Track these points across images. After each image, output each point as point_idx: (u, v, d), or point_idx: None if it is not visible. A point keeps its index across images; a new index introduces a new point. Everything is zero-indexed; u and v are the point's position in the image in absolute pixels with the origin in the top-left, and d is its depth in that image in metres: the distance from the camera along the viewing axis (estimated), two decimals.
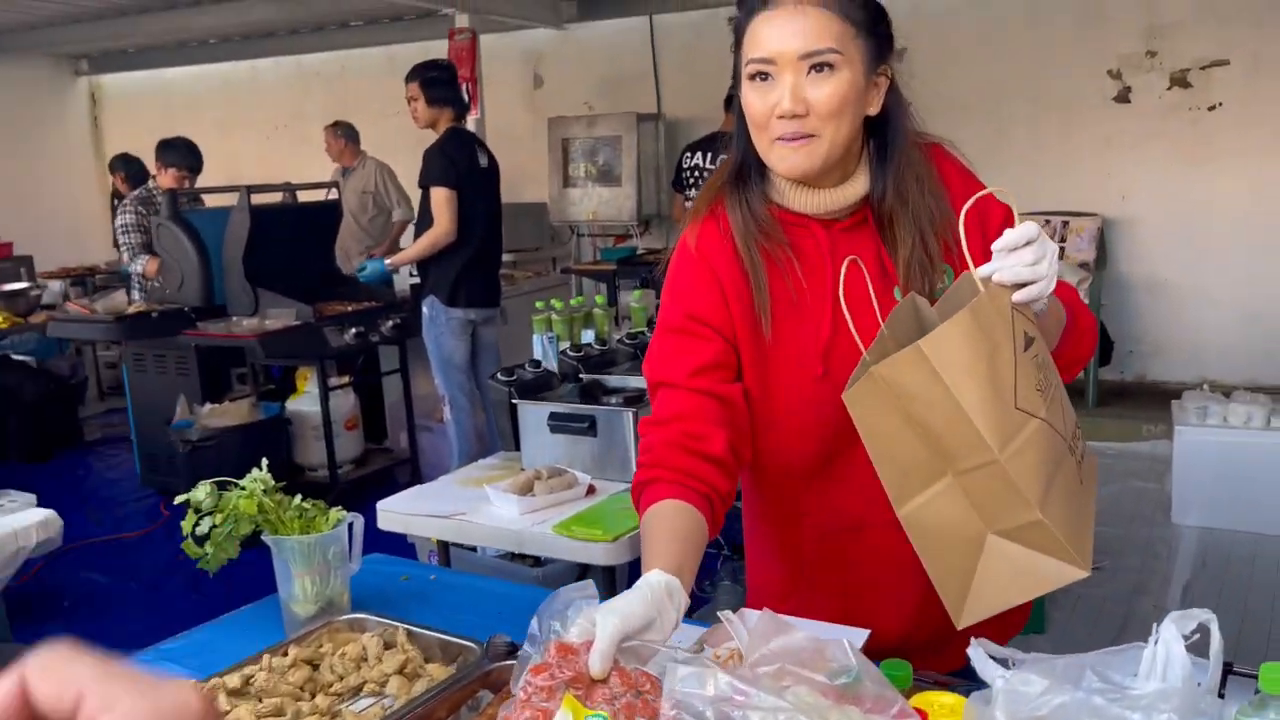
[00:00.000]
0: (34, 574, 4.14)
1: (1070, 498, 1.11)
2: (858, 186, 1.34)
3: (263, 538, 1.61)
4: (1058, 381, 1.18)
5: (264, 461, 1.69)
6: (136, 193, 5.35)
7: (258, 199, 4.84)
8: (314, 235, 5.14)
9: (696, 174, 5.20)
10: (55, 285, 6.57)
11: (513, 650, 1.41)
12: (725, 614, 1.40)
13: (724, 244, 1.36)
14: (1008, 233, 1.13)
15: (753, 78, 1.28)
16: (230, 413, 4.47)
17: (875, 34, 1.29)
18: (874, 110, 1.32)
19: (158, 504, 4.96)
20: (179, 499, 1.61)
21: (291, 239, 4.94)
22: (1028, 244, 1.12)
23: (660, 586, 1.12)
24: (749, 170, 1.38)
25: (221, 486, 1.65)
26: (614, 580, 2.12)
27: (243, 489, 1.61)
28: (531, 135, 7.26)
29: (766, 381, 1.35)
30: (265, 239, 4.73)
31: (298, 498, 1.65)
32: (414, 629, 1.51)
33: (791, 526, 1.47)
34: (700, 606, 3.54)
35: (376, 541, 2.31)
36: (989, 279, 1.13)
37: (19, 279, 6.40)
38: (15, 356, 6.25)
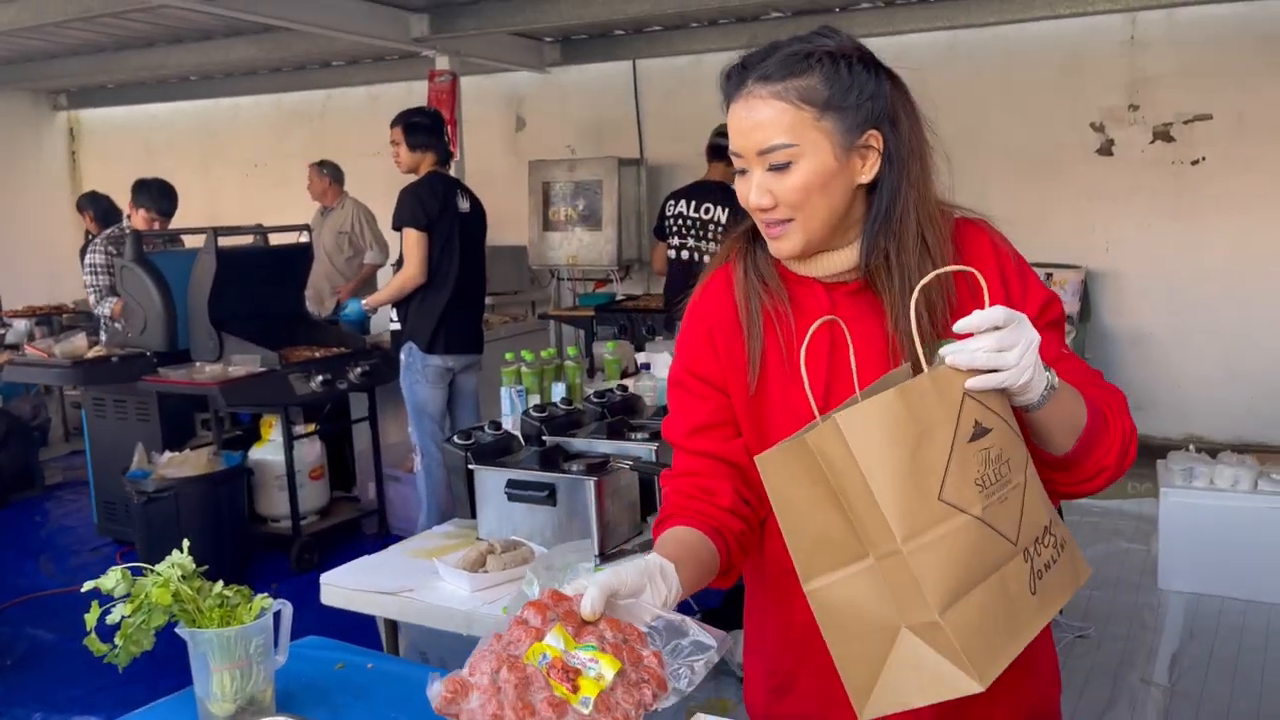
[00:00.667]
0: None
1: (995, 604, 1.04)
2: (850, 253, 1.29)
3: (177, 630, 1.47)
4: (1022, 480, 1.11)
5: (185, 544, 1.56)
6: (108, 232, 5.23)
7: (228, 241, 4.72)
8: (283, 278, 5.01)
9: (680, 222, 5.12)
10: (20, 324, 6.40)
11: None
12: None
13: (726, 298, 1.36)
14: (973, 314, 1.09)
15: (738, 169, 1.28)
16: (190, 462, 4.31)
17: (845, 107, 1.21)
18: (865, 179, 1.25)
19: (114, 554, 4.78)
20: (86, 586, 1.47)
21: (260, 282, 4.81)
22: (994, 329, 1.08)
23: (654, 563, 1.15)
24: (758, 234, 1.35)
25: (136, 571, 1.51)
26: None
27: (158, 575, 1.48)
28: (512, 177, 7.19)
29: (763, 438, 1.30)
30: (232, 282, 4.60)
31: (219, 585, 1.52)
32: None
33: (786, 600, 1.35)
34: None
35: (316, 611, 2.17)
36: (941, 361, 1.09)
37: None
38: None
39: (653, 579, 1.14)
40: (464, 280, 4.40)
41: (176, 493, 4.09)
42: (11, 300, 7.05)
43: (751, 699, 1.49)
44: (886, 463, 1.01)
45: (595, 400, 2.76)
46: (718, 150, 4.95)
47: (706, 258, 4.94)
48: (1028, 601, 1.08)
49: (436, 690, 1.01)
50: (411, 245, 4.26)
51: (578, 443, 2.45)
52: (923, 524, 1.01)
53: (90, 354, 4.68)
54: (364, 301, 4.70)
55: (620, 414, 2.70)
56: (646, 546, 2.22)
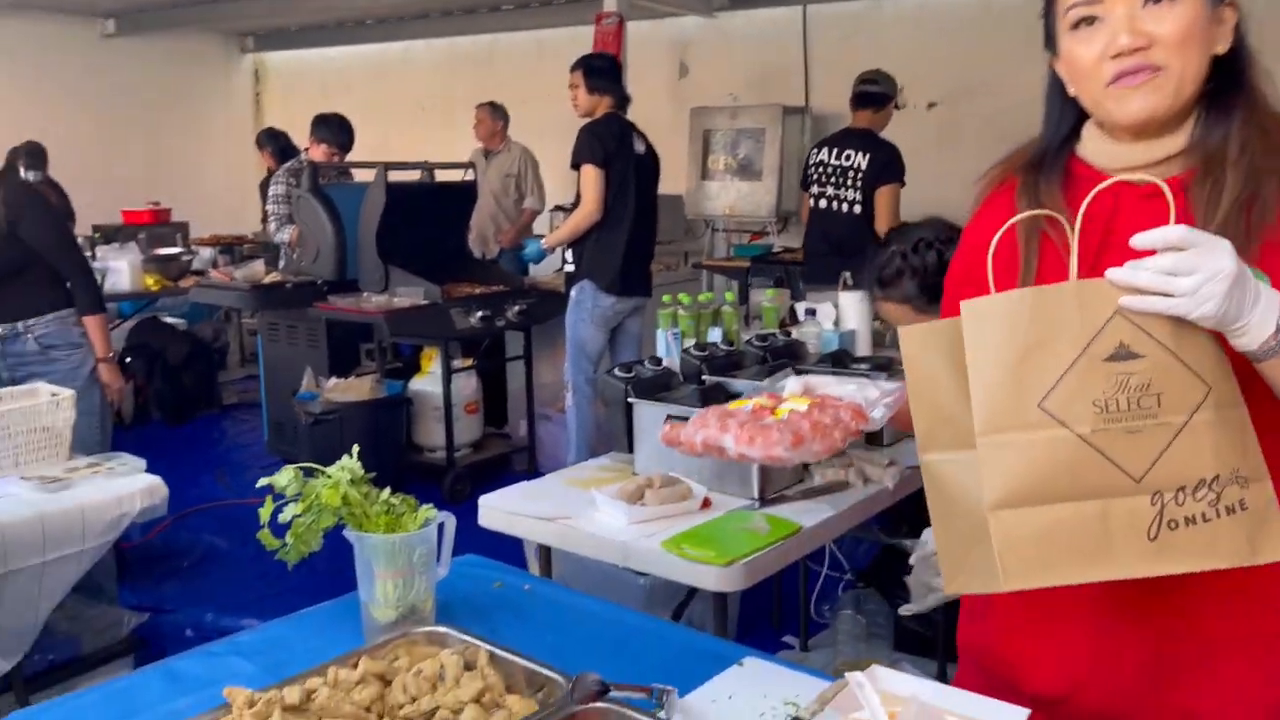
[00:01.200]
0: (157, 533, 4.24)
1: (1077, 528, 1.02)
2: (1179, 139, 1.14)
3: (344, 533, 1.48)
4: (1180, 421, 1.01)
5: (355, 449, 1.57)
6: (289, 164, 5.45)
7: (397, 177, 4.83)
8: (447, 215, 5.11)
9: (820, 170, 4.93)
10: (206, 252, 6.80)
11: (602, 692, 1.23)
12: (856, 677, 1.19)
13: (1004, 215, 1.19)
14: (1152, 231, 1.01)
15: (1075, 26, 1.13)
16: (354, 388, 4.47)
17: None
18: (1222, 48, 1.12)
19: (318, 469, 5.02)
20: (261, 482, 1.50)
21: (425, 217, 4.93)
22: (1171, 250, 0.99)
23: None
24: (1049, 155, 1.23)
25: (308, 473, 1.53)
26: (725, 608, 1.92)
27: (328, 477, 1.49)
28: (673, 125, 7.09)
29: None
30: (400, 216, 4.72)
31: (386, 491, 1.52)
32: (497, 651, 1.35)
33: None
34: (817, 631, 3.30)
35: (474, 538, 2.18)
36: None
37: (174, 244, 6.65)
38: (166, 319, 6.50)
39: None
40: (637, 222, 4.37)
41: (341, 416, 4.25)
42: (199, 230, 7.49)
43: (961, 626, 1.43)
44: (991, 356, 1.02)
45: (756, 344, 2.67)
46: (863, 98, 4.78)
47: (845, 205, 4.76)
48: (1135, 543, 1.02)
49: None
50: (589, 182, 4.25)
51: (738, 383, 2.37)
52: (1007, 424, 1.02)
53: (267, 280, 4.90)
54: (543, 241, 4.73)
55: (782, 358, 2.60)
56: (809, 494, 2.13)
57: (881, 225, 4.64)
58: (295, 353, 4.96)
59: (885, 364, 2.56)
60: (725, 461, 2.11)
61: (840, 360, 2.59)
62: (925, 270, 2.32)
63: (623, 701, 1.23)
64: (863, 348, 3.09)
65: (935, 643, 2.83)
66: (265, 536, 1.45)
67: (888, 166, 4.64)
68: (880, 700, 1.13)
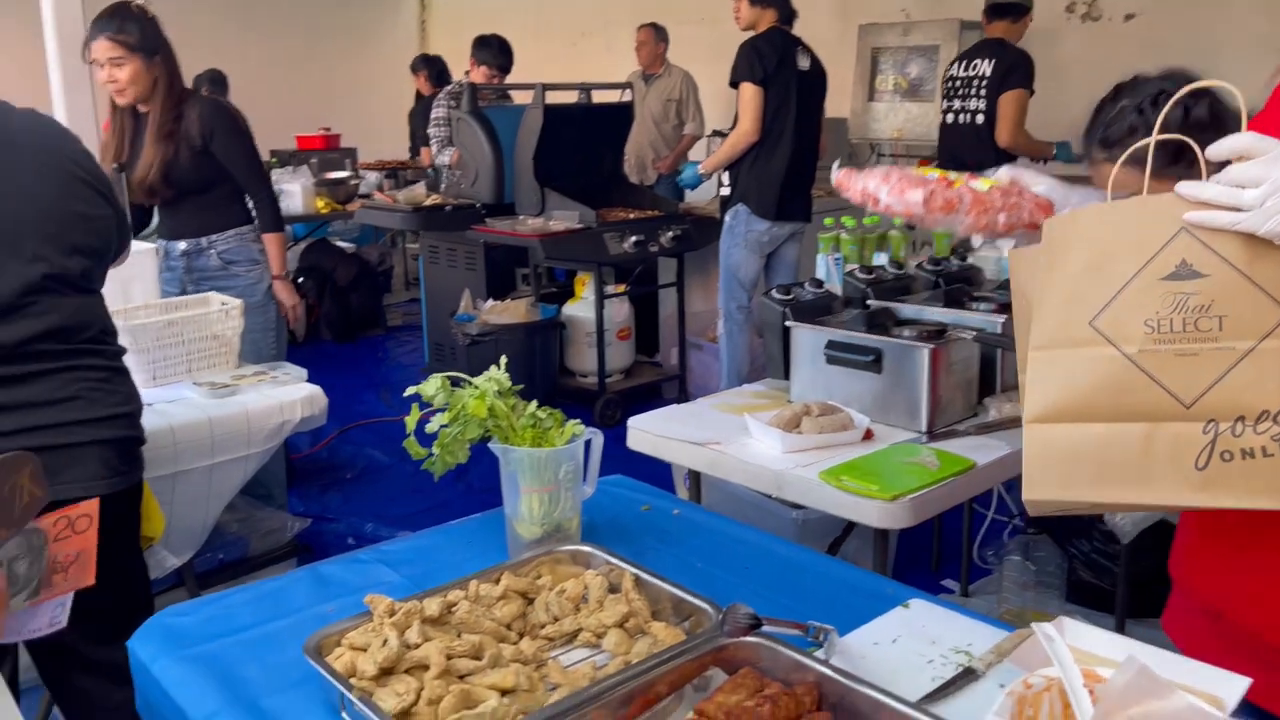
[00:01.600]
0: (324, 445, 4.42)
1: (1119, 449, 0.98)
2: None
3: (490, 445, 1.44)
4: (1246, 347, 0.94)
5: (503, 360, 1.51)
6: (450, 87, 5.49)
7: (554, 99, 4.78)
8: (603, 139, 5.04)
9: (951, 84, 4.67)
10: (372, 176, 6.98)
11: (754, 626, 1.14)
12: (1043, 629, 1.05)
13: None
14: (1222, 140, 0.95)
15: None
16: (509, 311, 4.49)
17: None
18: None
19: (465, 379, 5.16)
20: (408, 391, 1.47)
21: (582, 140, 4.87)
22: (1239, 160, 0.93)
23: None
24: None
25: (456, 383, 1.48)
26: (885, 547, 1.79)
27: (475, 388, 1.44)
28: (839, 43, 6.73)
29: None
30: (556, 139, 4.68)
31: (533, 405, 1.46)
32: (644, 575, 1.28)
33: None
34: (979, 577, 3.12)
35: (621, 463, 2.12)
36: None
37: (343, 169, 6.85)
38: (336, 242, 6.75)
39: None
40: (799, 142, 4.17)
41: (497, 338, 4.28)
42: (366, 155, 7.70)
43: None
44: (1058, 271, 1.01)
45: (929, 268, 2.48)
46: (997, 9, 4.56)
47: (968, 117, 4.57)
48: (1180, 471, 0.97)
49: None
50: (746, 101, 4.07)
51: (907, 309, 2.21)
52: (1058, 339, 1.01)
53: (427, 202, 4.97)
54: (700, 165, 4.60)
55: (956, 284, 2.41)
56: (983, 429, 1.96)
57: (1002, 135, 4.43)
58: (454, 275, 5.04)
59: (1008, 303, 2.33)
60: (891, 391, 1.97)
61: (955, 299, 2.36)
62: (1165, 127, 2.00)
63: (776, 638, 1.13)
64: None
65: (1113, 597, 2.61)
66: (411, 445, 1.42)
67: (1013, 70, 4.40)
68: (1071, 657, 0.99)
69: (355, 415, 4.83)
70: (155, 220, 3.28)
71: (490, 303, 4.59)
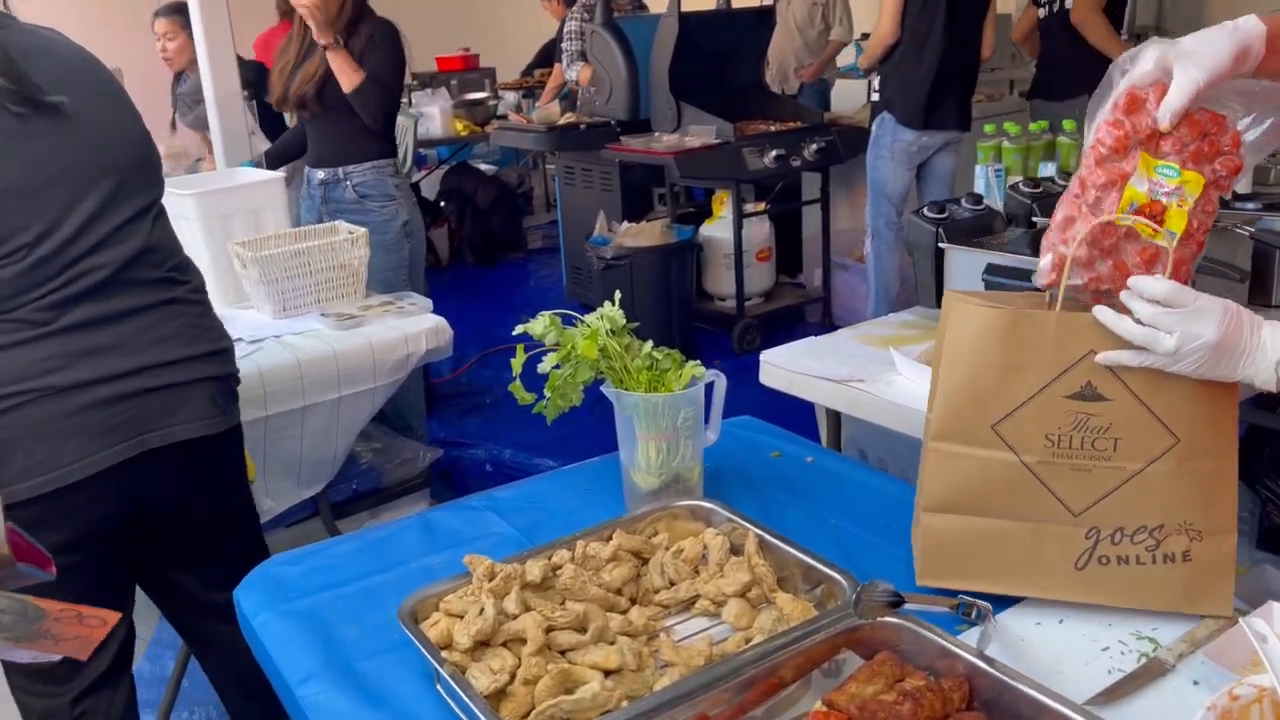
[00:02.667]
0: (464, 371, 4.44)
1: (1004, 542, 1.07)
2: None
3: (602, 389, 1.32)
4: (1135, 469, 1.03)
5: (617, 296, 1.39)
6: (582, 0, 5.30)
7: (691, 5, 4.53)
8: (742, 46, 4.76)
9: None
10: (510, 96, 6.91)
11: (895, 603, 0.99)
12: (1251, 624, 0.86)
13: None
14: (1147, 279, 0.99)
15: None
16: (645, 233, 4.35)
17: None
18: None
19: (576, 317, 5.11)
20: (517, 329, 1.36)
21: (720, 50, 4.61)
22: (1156, 304, 0.97)
23: (1251, 29, 0.97)
24: None
25: (567, 321, 1.37)
26: None
27: (586, 326, 1.32)
28: None
29: None
30: (693, 49, 4.44)
31: (649, 344, 1.33)
32: (769, 538, 1.15)
33: None
34: None
35: (761, 391, 1.97)
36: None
37: (481, 89, 6.80)
38: (480, 165, 6.74)
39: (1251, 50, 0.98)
40: (950, 43, 3.81)
41: (632, 261, 4.16)
42: (504, 75, 7.63)
43: None
44: (960, 368, 1.04)
45: None
46: None
47: (1055, 6, 4.20)
48: (1062, 569, 1.06)
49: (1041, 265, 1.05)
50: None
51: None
52: (957, 435, 1.05)
53: (562, 121, 4.85)
54: (802, 71, 4.30)
55: None
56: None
57: (1076, 10, 4.08)
58: (590, 196, 4.92)
59: None
60: None
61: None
62: None
63: (920, 618, 0.98)
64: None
65: None
66: (517, 390, 1.32)
67: None
68: None
69: (496, 340, 4.83)
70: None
71: (625, 225, 4.47)
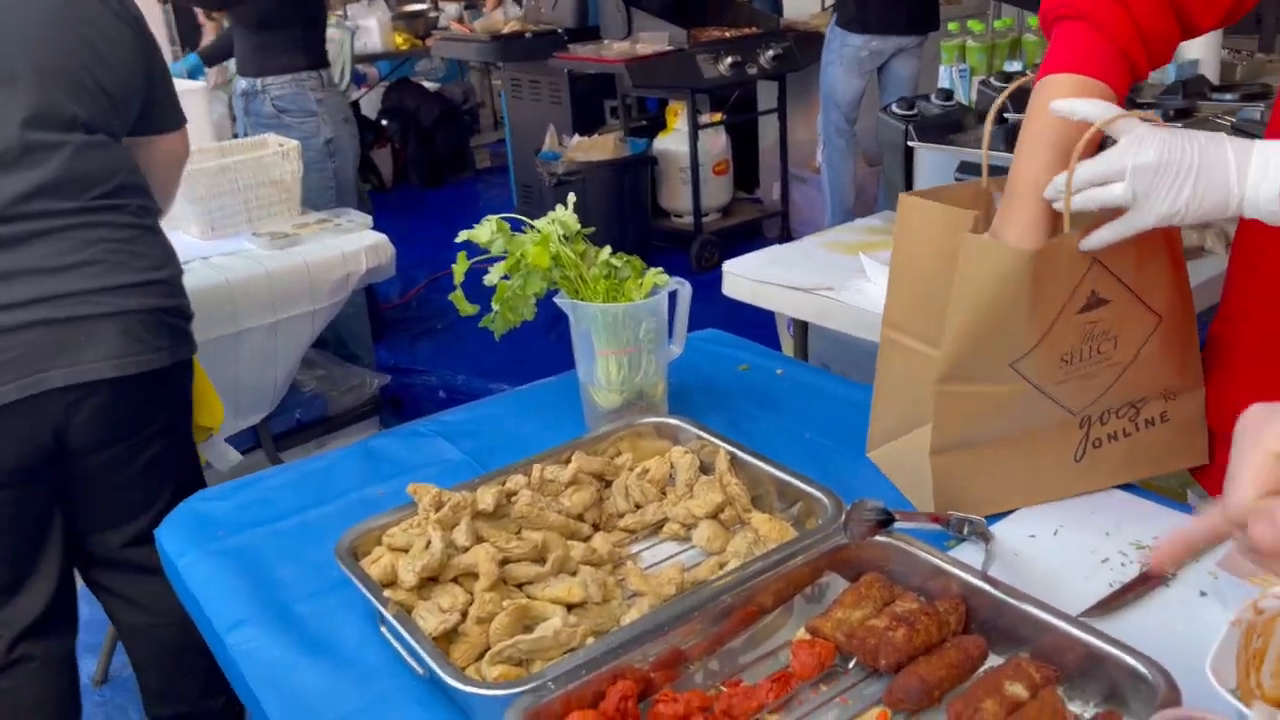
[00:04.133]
0: (414, 295, 4.29)
1: (1008, 460, 1.03)
2: None
3: (557, 300, 1.21)
4: (1129, 357, 1.00)
5: (571, 199, 1.27)
6: None
7: None
8: None
9: None
10: (451, 8, 6.60)
11: (886, 522, 0.91)
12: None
13: None
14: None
15: None
16: (597, 146, 4.20)
17: None
18: None
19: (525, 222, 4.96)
20: (460, 236, 1.24)
21: None
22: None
23: None
24: None
25: (516, 226, 1.25)
26: None
27: (536, 232, 1.20)
28: None
29: None
30: None
31: (606, 250, 1.22)
32: (742, 455, 1.06)
33: None
34: None
35: (720, 309, 1.88)
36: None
37: (420, 0, 6.49)
38: (424, 83, 6.45)
39: None
40: None
41: (584, 176, 4.01)
42: None
43: None
44: (980, 311, 0.95)
45: None
46: None
47: None
48: (1063, 469, 1.04)
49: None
50: None
51: None
52: (971, 375, 0.98)
53: (506, 29, 4.63)
54: None
55: None
56: None
57: None
58: (539, 110, 4.73)
59: (1260, 92, 1.94)
60: None
61: (1196, 90, 1.98)
62: None
63: (910, 535, 0.91)
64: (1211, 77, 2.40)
65: None
66: (459, 300, 1.20)
67: None
68: None
69: (445, 263, 4.62)
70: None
71: (576, 139, 4.30)
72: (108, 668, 2.18)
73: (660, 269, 1.21)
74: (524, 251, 1.19)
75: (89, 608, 2.33)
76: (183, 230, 2.24)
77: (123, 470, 1.47)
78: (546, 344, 3.35)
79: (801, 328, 1.84)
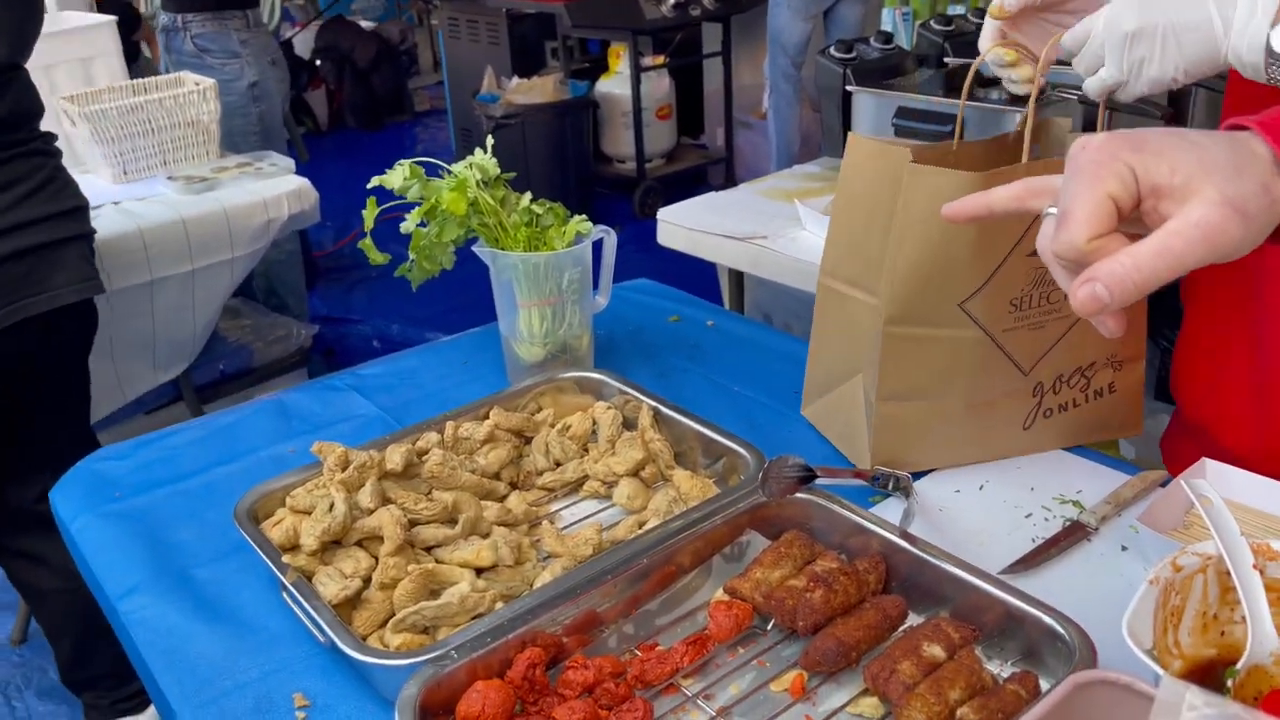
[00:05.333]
0: (348, 241, 4.17)
1: (958, 418, 0.99)
2: None
3: (475, 249, 1.16)
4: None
5: (489, 142, 1.21)
6: None
7: None
8: None
9: None
10: None
11: (807, 479, 0.88)
12: (1195, 485, 0.78)
13: None
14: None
15: None
16: (537, 89, 4.09)
17: None
18: None
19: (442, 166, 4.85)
20: (372, 182, 1.18)
21: None
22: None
23: None
24: None
25: (431, 171, 1.19)
26: None
27: (452, 177, 1.14)
28: None
29: None
30: None
31: (527, 196, 1.17)
32: (665, 410, 1.03)
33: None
34: None
35: (663, 256, 1.84)
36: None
37: None
38: (360, 22, 6.23)
39: None
40: None
41: (524, 120, 3.91)
42: None
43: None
44: (921, 244, 0.90)
45: None
46: None
47: None
48: (1010, 432, 1.02)
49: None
50: None
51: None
52: (919, 317, 0.94)
53: None
54: None
55: None
56: None
57: None
58: (477, 51, 4.59)
59: None
60: None
61: None
62: None
63: (832, 493, 0.88)
64: None
65: None
66: (368, 248, 1.14)
67: None
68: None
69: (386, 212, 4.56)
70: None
71: (515, 81, 4.19)
72: (26, 627, 2.11)
73: (583, 216, 1.16)
74: (439, 197, 1.13)
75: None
76: (94, 173, 2.13)
77: (60, 406, 1.45)
78: (484, 291, 3.29)
79: (737, 277, 1.81)
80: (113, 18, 2.33)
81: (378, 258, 1.15)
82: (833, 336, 1.05)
